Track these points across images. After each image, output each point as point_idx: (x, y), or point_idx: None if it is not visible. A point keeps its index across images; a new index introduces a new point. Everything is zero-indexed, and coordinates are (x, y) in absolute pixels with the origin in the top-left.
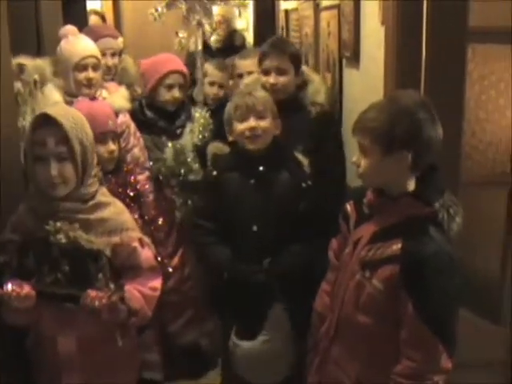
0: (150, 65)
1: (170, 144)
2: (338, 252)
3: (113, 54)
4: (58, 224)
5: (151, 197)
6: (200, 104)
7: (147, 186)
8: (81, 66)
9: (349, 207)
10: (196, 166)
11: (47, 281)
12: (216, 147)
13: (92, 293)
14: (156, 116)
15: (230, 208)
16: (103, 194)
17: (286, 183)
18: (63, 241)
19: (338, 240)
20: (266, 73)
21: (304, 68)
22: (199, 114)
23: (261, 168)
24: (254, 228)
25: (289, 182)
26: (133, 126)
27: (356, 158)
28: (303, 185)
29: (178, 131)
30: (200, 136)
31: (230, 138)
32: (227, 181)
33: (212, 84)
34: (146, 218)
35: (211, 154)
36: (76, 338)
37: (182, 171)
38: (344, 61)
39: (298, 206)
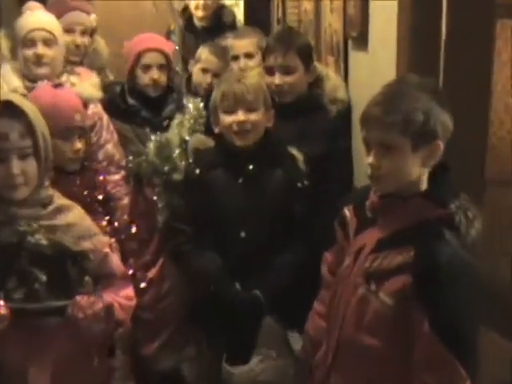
0: (129, 45)
1: (153, 137)
2: (334, 266)
3: (83, 32)
4: (35, 224)
5: (125, 200)
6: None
7: (121, 188)
8: (28, 41)
9: (347, 212)
10: (182, 163)
11: (18, 296)
12: (198, 140)
13: (81, 299)
14: (138, 103)
15: (215, 211)
16: (59, 197)
17: (279, 182)
18: (43, 242)
19: (333, 252)
20: (270, 72)
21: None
22: (192, 105)
23: (250, 165)
24: (242, 234)
25: (282, 180)
26: (106, 118)
27: (374, 159)
28: (299, 184)
29: (165, 123)
30: (190, 130)
31: (216, 130)
32: (211, 180)
33: (205, 71)
34: (117, 224)
35: (193, 149)
36: (51, 367)
37: (166, 168)
38: (350, 42)
39: (293, 208)
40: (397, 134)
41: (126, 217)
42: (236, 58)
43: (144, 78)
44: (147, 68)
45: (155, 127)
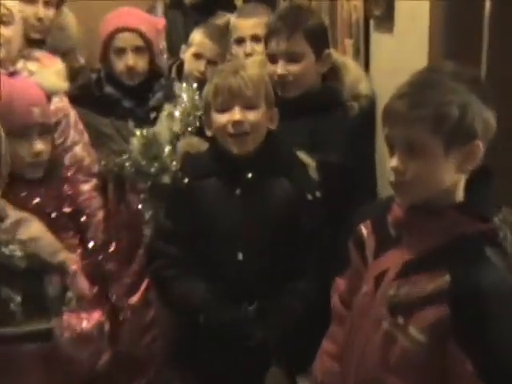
0: (102, 22)
1: (138, 131)
2: (348, 295)
3: (47, 2)
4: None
5: (99, 216)
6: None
7: (94, 201)
8: None
9: (364, 229)
10: (174, 164)
11: None
12: (189, 143)
13: (70, 318)
14: (118, 92)
15: (206, 228)
16: (13, 209)
17: (284, 194)
18: (18, 254)
19: (347, 278)
20: (272, 59)
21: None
22: (186, 93)
23: (250, 174)
24: (240, 256)
25: (289, 192)
26: (73, 114)
27: (398, 162)
28: (309, 196)
29: (152, 115)
30: (183, 123)
31: (208, 133)
32: (202, 190)
33: (198, 57)
34: (91, 244)
35: (182, 153)
36: None
37: (153, 170)
38: (372, 22)
39: (302, 225)
40: (425, 131)
41: (100, 234)
42: (241, 41)
43: (118, 64)
44: (120, 52)
45: (140, 120)
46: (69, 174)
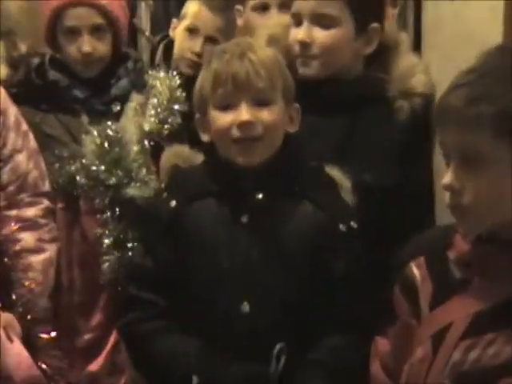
0: None
1: (94, 129)
2: (394, 360)
3: None
4: None
5: (47, 253)
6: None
7: (43, 233)
8: None
9: (416, 270)
10: (144, 171)
11: None
12: (177, 154)
13: None
14: (66, 78)
15: (201, 269)
16: None
17: (308, 223)
18: None
19: (392, 337)
20: (297, 21)
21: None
22: (159, 80)
23: (260, 194)
24: (245, 308)
25: (314, 221)
26: (13, 111)
27: (452, 178)
28: (341, 227)
29: (114, 107)
30: (157, 119)
31: (205, 138)
32: (197, 218)
33: (192, 32)
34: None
35: (168, 168)
36: None
37: (114, 179)
38: None
39: (332, 266)
40: (486, 135)
41: (39, 278)
42: (264, 8)
43: (69, 49)
44: (72, 33)
45: (96, 114)
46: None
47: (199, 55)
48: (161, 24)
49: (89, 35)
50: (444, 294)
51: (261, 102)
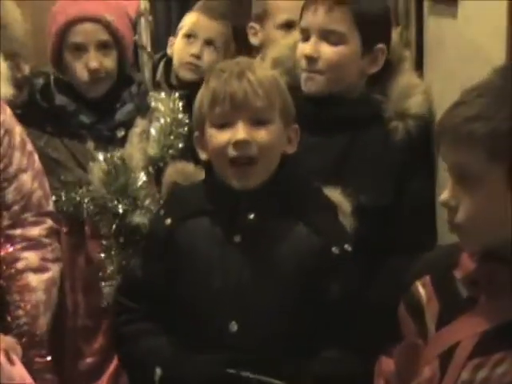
0: (51, 12)
1: (100, 155)
2: (399, 381)
3: None
4: None
5: (49, 273)
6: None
7: (46, 253)
8: None
9: (421, 288)
10: (148, 200)
11: None
12: (180, 171)
13: None
14: (73, 103)
15: (190, 286)
16: None
17: (301, 245)
18: None
19: (398, 356)
20: (305, 36)
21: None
22: (161, 103)
23: (251, 215)
24: (233, 327)
25: (307, 242)
26: (19, 131)
27: (449, 195)
28: (334, 250)
29: (119, 133)
30: (161, 144)
31: (203, 157)
32: (191, 236)
33: (191, 37)
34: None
35: (168, 184)
36: None
37: (122, 207)
38: (426, 3)
39: (326, 287)
40: (480, 155)
41: (42, 297)
42: (289, 26)
43: (75, 67)
44: (78, 49)
45: (102, 140)
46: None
47: (198, 57)
48: (162, 41)
49: (95, 51)
50: (451, 313)
51: (258, 122)
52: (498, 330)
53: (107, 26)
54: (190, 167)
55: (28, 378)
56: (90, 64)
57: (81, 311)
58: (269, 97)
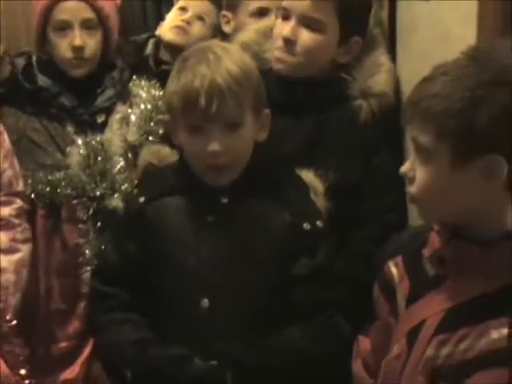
0: None
1: (79, 140)
2: (374, 358)
3: None
4: None
5: (20, 254)
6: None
7: (16, 233)
8: None
9: (393, 268)
10: (126, 185)
11: None
12: (155, 153)
13: None
14: (54, 84)
15: (166, 264)
16: None
17: (273, 223)
18: None
19: (373, 335)
20: (285, 15)
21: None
22: (142, 89)
23: (225, 200)
24: (204, 303)
25: (279, 221)
26: None
27: (407, 167)
28: (305, 226)
29: (99, 118)
30: (141, 130)
31: (176, 142)
32: (164, 214)
33: (183, 10)
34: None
35: (143, 165)
36: None
37: (99, 192)
38: None
39: (294, 264)
40: (431, 132)
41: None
42: (262, 13)
43: (59, 46)
44: (63, 27)
45: (82, 124)
46: None
47: (189, 23)
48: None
49: (80, 30)
50: (419, 292)
51: (230, 126)
52: (463, 307)
53: (92, 5)
54: (165, 149)
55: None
56: (74, 41)
57: (55, 295)
58: (240, 99)
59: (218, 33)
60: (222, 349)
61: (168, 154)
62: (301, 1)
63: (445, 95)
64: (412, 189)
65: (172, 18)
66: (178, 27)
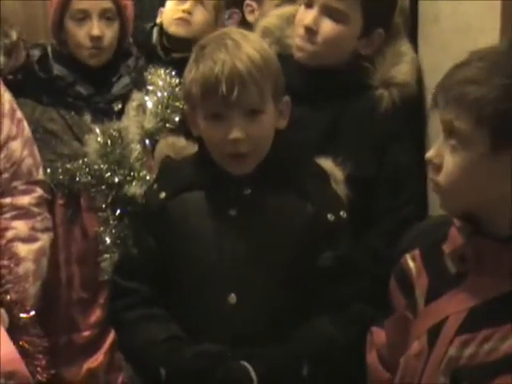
0: None
1: (97, 128)
2: (390, 352)
3: None
4: None
5: (40, 243)
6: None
7: (35, 222)
8: None
9: (410, 262)
10: (144, 172)
11: None
12: (171, 145)
13: None
14: (70, 73)
15: (187, 260)
16: None
17: (297, 216)
18: None
19: (389, 328)
20: (308, 3)
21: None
22: (158, 77)
23: (248, 191)
24: (232, 299)
25: (301, 213)
26: (8, 98)
27: (434, 153)
28: (329, 217)
29: (116, 106)
30: (158, 117)
31: (195, 133)
32: (184, 209)
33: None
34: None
35: (160, 159)
36: None
37: (118, 179)
38: None
39: (318, 256)
40: (468, 118)
41: (31, 267)
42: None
43: (77, 35)
44: (82, 17)
45: (99, 113)
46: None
47: (189, 13)
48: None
49: (98, 20)
50: (439, 288)
51: (251, 113)
52: (486, 306)
53: None
54: (181, 141)
55: (11, 348)
56: (92, 31)
57: (76, 284)
58: (261, 85)
59: (219, 10)
60: (252, 350)
61: (184, 146)
62: None
63: (481, 81)
64: (438, 177)
65: (172, 8)
66: (180, 19)
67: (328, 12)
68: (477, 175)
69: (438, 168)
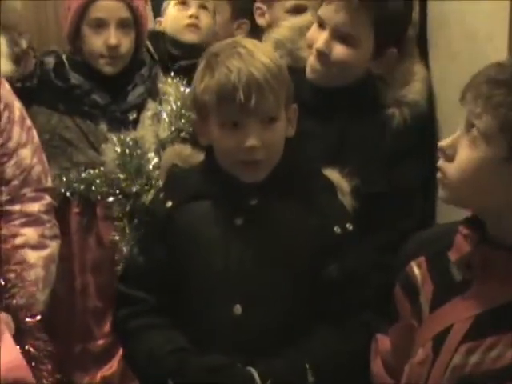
0: None
1: (114, 137)
2: (395, 359)
3: None
4: None
5: (49, 250)
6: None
7: (44, 230)
8: None
9: (416, 269)
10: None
11: None
12: (177, 153)
13: None
14: (87, 81)
15: (192, 269)
16: None
17: (301, 227)
18: None
19: (393, 335)
20: (320, 24)
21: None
22: (170, 87)
23: (254, 201)
24: (237, 310)
25: (307, 224)
26: (18, 105)
27: (449, 142)
28: (336, 229)
29: (131, 114)
30: (173, 127)
31: (203, 142)
32: (192, 219)
33: (184, 4)
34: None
35: (167, 167)
36: None
37: (135, 189)
38: None
39: (325, 268)
40: (492, 120)
41: (41, 273)
42: (298, 11)
43: (93, 43)
44: (99, 25)
45: (115, 122)
46: (10, 187)
47: (197, 18)
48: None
49: (115, 29)
50: (445, 295)
51: (267, 121)
52: (491, 313)
53: (129, 4)
54: (187, 149)
55: (17, 354)
56: (109, 40)
57: (91, 292)
58: (277, 93)
59: (225, 16)
60: (258, 360)
61: (191, 154)
62: (336, 13)
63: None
64: (448, 167)
65: (177, 16)
66: (191, 25)
67: (339, 35)
68: (486, 176)
69: (450, 159)
